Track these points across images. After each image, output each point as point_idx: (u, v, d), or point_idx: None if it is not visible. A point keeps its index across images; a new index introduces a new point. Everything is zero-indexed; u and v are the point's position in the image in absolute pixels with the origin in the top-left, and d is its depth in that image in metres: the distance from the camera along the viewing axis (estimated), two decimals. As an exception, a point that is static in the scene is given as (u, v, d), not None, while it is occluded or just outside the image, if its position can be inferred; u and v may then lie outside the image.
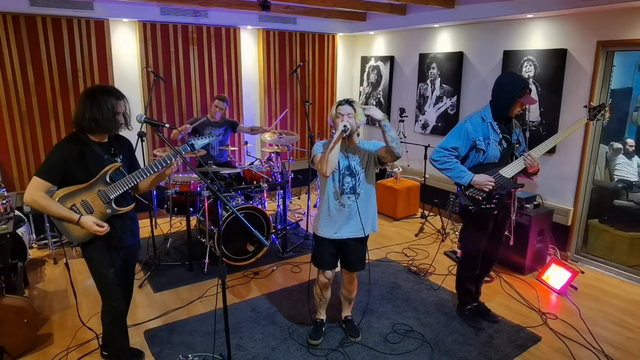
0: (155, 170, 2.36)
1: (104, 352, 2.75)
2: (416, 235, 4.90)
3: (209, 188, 3.10)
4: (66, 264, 2.97)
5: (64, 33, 4.67)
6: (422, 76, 5.70)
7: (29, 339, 2.78)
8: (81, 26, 4.75)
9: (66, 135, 2.30)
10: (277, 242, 4.46)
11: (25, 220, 4.07)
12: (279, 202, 4.69)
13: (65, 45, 4.70)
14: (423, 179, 5.37)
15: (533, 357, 2.82)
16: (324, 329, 3.03)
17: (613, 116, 4.25)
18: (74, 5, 4.53)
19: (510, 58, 4.56)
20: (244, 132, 5.37)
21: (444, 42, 5.38)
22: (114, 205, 2.31)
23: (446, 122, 5.40)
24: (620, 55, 3.94)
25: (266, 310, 3.32)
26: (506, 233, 3.15)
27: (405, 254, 4.39)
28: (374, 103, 6.58)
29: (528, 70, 4.40)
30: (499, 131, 2.86)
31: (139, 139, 3.62)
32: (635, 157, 4.23)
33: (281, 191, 4.60)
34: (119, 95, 2.26)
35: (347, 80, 6.98)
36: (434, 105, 5.57)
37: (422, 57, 5.66)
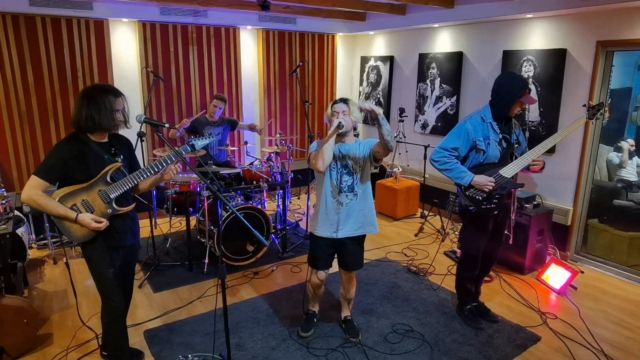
0: (156, 170, 2.36)
1: (103, 352, 2.75)
2: (416, 235, 4.90)
3: (209, 188, 3.10)
4: (66, 264, 2.97)
5: (63, 33, 4.67)
6: (422, 76, 5.70)
7: (29, 339, 2.78)
8: (81, 26, 4.75)
9: (66, 135, 2.30)
10: (276, 242, 4.46)
11: (25, 220, 4.07)
12: (278, 202, 4.69)
13: (64, 46, 4.70)
14: (423, 179, 5.37)
15: (533, 357, 2.82)
16: (315, 320, 3.08)
17: (613, 116, 4.25)
18: (73, 5, 4.53)
19: (509, 58, 4.57)
20: (244, 130, 5.38)
21: (443, 42, 5.38)
22: (114, 205, 2.31)
23: (446, 122, 5.40)
24: (620, 55, 3.94)
25: (266, 310, 3.32)
26: (506, 232, 3.15)
27: (405, 254, 4.39)
28: (374, 103, 6.57)
29: (528, 70, 4.40)
30: (498, 131, 2.86)
31: (139, 139, 3.62)
32: (636, 157, 4.23)
33: (281, 191, 4.60)
34: (117, 93, 2.26)
35: (346, 80, 6.98)
36: (434, 105, 5.57)
37: (422, 57, 5.66)
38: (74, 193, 2.24)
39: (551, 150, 4.17)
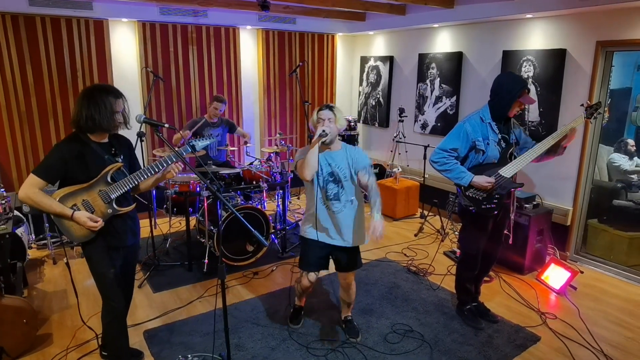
0: (157, 170, 2.36)
1: (103, 352, 2.75)
2: (415, 235, 4.90)
3: (209, 188, 3.10)
4: (67, 264, 2.97)
5: (63, 33, 4.67)
6: (422, 76, 5.70)
7: (28, 339, 2.78)
8: (80, 26, 4.75)
9: (66, 135, 2.29)
10: (276, 242, 4.46)
11: (25, 220, 4.07)
12: (278, 202, 4.69)
13: (64, 46, 4.70)
14: (422, 179, 5.37)
15: (532, 357, 2.82)
16: (302, 312, 3.15)
17: (612, 116, 4.25)
18: (73, 5, 4.52)
19: (509, 58, 4.57)
20: (239, 135, 5.37)
21: (443, 42, 5.38)
22: (115, 205, 2.31)
23: (445, 122, 5.40)
24: (620, 55, 3.94)
25: (266, 311, 3.32)
26: (505, 232, 3.16)
27: (405, 254, 4.39)
28: (374, 103, 6.58)
29: (527, 70, 4.40)
30: (497, 131, 2.86)
31: (139, 139, 3.61)
32: (636, 158, 4.23)
33: (281, 191, 4.60)
34: (117, 94, 2.25)
35: (346, 80, 6.98)
36: (434, 105, 5.58)
37: (422, 57, 5.66)
38: (75, 193, 2.24)
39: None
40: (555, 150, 2.85)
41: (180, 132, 4.66)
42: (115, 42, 5.03)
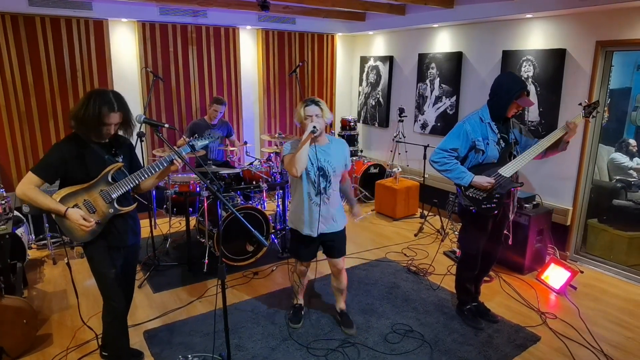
0: (157, 170, 2.36)
1: (103, 353, 2.75)
2: (415, 235, 4.90)
3: (209, 188, 3.10)
4: (67, 264, 2.96)
5: (62, 33, 4.67)
6: (421, 76, 5.70)
7: (28, 340, 2.78)
8: (80, 26, 4.75)
9: (67, 135, 2.29)
10: (276, 242, 4.46)
11: (25, 220, 4.07)
12: (278, 202, 4.69)
13: (64, 46, 4.70)
14: (422, 179, 5.37)
15: (532, 357, 2.82)
16: (302, 312, 3.17)
17: (612, 116, 4.25)
18: (72, 5, 4.52)
19: (509, 58, 4.57)
20: (230, 142, 5.27)
21: (443, 42, 5.38)
22: (116, 205, 2.31)
23: (445, 122, 5.40)
24: (619, 55, 3.94)
25: (266, 311, 3.32)
26: (505, 232, 3.16)
27: (405, 254, 4.39)
28: (373, 103, 6.58)
29: (527, 70, 4.40)
30: (496, 131, 2.86)
31: (138, 139, 3.61)
32: (636, 158, 4.23)
33: (280, 191, 4.59)
34: (113, 107, 2.16)
35: (346, 80, 6.98)
36: (433, 105, 5.58)
37: (422, 57, 5.66)
38: (76, 193, 2.24)
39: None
40: (557, 145, 2.85)
41: (184, 137, 4.66)
42: (115, 42, 5.03)
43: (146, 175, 2.34)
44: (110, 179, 2.29)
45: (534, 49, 4.34)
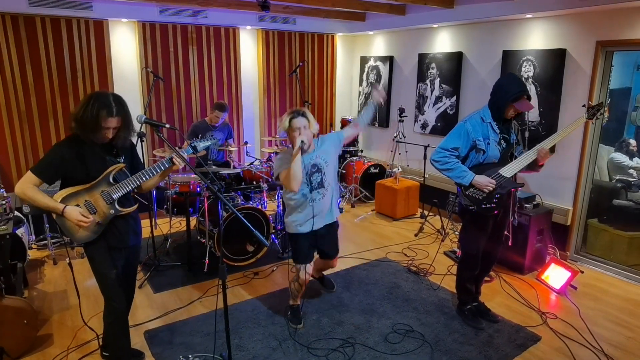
0: (158, 171, 2.36)
1: (104, 353, 2.75)
2: (416, 235, 4.90)
3: (209, 188, 3.11)
4: (69, 264, 2.96)
5: (63, 33, 4.67)
6: (422, 76, 5.70)
7: (29, 340, 2.78)
8: (80, 26, 4.75)
9: (67, 135, 2.29)
10: (276, 242, 4.46)
11: (25, 220, 4.07)
12: (278, 202, 4.68)
13: (64, 46, 4.70)
14: (422, 179, 5.37)
15: (533, 357, 2.83)
16: (301, 312, 3.21)
17: (612, 116, 4.26)
18: (72, 5, 4.52)
19: (509, 58, 4.57)
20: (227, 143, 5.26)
21: (443, 42, 5.38)
22: (117, 206, 2.31)
23: (445, 122, 5.40)
24: (619, 55, 3.95)
25: (266, 311, 3.32)
26: (505, 233, 3.16)
27: (405, 254, 4.39)
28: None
29: (527, 70, 4.41)
30: (498, 131, 2.86)
31: (139, 140, 3.61)
32: (636, 158, 4.23)
33: (281, 191, 4.59)
34: (112, 112, 2.14)
35: (346, 80, 6.98)
36: (434, 105, 5.58)
37: (422, 57, 5.66)
38: (77, 194, 2.24)
39: (551, 150, 4.14)
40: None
41: (186, 140, 4.67)
42: (115, 42, 5.03)
43: (147, 177, 2.34)
44: (111, 180, 2.29)
45: (534, 49, 4.34)
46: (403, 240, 4.77)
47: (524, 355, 2.84)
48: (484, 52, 4.90)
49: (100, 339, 2.81)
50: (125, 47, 5.10)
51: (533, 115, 4.39)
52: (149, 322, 3.16)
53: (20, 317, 2.70)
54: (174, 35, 5.28)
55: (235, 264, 3.99)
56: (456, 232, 4.83)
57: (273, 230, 4.28)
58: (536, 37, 4.35)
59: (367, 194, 5.98)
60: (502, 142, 2.88)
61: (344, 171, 6.22)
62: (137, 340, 2.92)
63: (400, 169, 5.55)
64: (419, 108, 5.79)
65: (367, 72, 6.64)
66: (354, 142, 6.37)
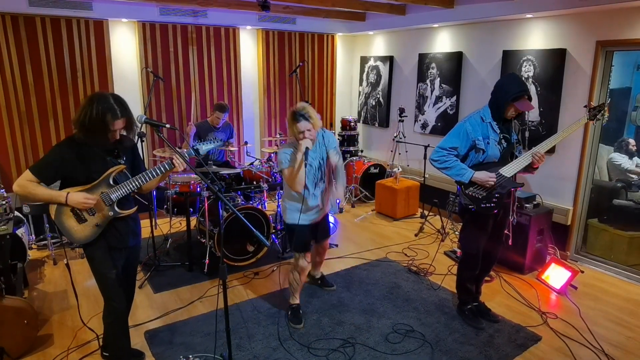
0: (158, 173, 2.35)
1: (104, 353, 2.75)
2: (416, 235, 4.90)
3: (210, 188, 3.12)
4: (67, 264, 2.96)
5: (63, 33, 4.67)
6: (422, 76, 5.70)
7: (29, 340, 2.77)
8: (80, 26, 4.75)
9: (68, 136, 2.29)
10: (277, 242, 4.46)
11: (25, 221, 4.07)
12: (279, 202, 4.69)
13: (64, 46, 4.70)
14: (423, 179, 5.37)
15: (533, 357, 2.83)
16: (301, 312, 3.22)
17: (612, 116, 4.26)
18: (72, 5, 4.52)
19: (509, 58, 4.57)
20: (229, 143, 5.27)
21: (443, 42, 5.38)
22: (116, 208, 2.30)
23: (446, 122, 5.40)
24: (619, 55, 3.95)
25: (266, 311, 3.32)
26: (505, 232, 3.16)
27: (405, 254, 4.39)
28: (374, 103, 6.58)
29: (527, 70, 4.41)
30: (498, 131, 2.86)
31: (139, 140, 3.61)
32: (636, 158, 4.23)
33: (281, 191, 4.59)
34: (117, 115, 2.14)
35: (346, 80, 6.98)
36: (434, 105, 5.58)
37: (422, 57, 5.66)
38: None
39: (551, 151, 4.17)
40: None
41: (187, 141, 4.67)
42: (115, 43, 5.03)
43: (147, 179, 2.33)
44: (111, 181, 2.28)
45: (534, 49, 4.34)
46: (403, 240, 4.77)
47: (524, 355, 2.84)
48: (484, 52, 4.90)
49: (101, 339, 2.81)
50: (125, 47, 5.10)
51: (533, 115, 4.39)
52: (149, 322, 3.16)
53: (21, 317, 2.70)
54: (174, 35, 5.28)
55: (236, 264, 3.98)
56: (456, 232, 4.83)
57: (273, 230, 4.28)
58: (536, 37, 4.35)
59: (367, 194, 5.98)
60: (503, 141, 2.88)
61: (344, 171, 6.21)
62: (138, 340, 2.92)
63: (400, 169, 5.55)
64: (419, 108, 5.79)
65: (367, 72, 6.64)
66: (354, 142, 6.37)
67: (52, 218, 2.24)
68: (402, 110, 5.62)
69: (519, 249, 3.90)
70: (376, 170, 6.05)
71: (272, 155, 5.09)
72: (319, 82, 6.58)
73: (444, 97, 5.42)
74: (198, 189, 4.17)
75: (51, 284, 3.74)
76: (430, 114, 5.63)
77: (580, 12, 3.95)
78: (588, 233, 4.27)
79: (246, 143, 5.23)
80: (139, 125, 2.35)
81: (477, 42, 4.97)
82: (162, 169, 2.35)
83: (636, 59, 4.18)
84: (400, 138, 5.64)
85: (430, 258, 4.26)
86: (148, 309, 3.34)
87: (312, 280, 3.70)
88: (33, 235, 4.49)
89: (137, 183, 2.31)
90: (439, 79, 5.46)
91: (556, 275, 3.72)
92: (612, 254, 4.10)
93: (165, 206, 4.41)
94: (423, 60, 5.65)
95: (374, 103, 6.57)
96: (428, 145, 5.15)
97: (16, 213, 3.89)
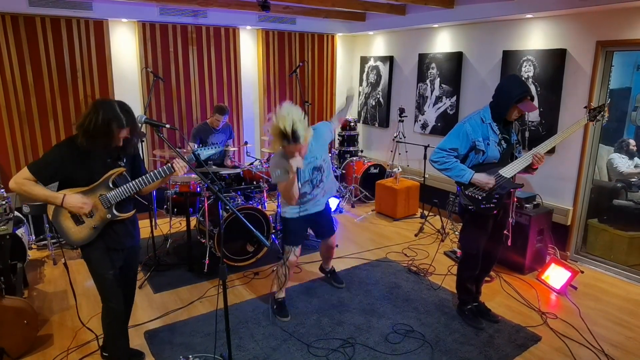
0: (158, 178, 2.32)
1: (104, 353, 2.75)
2: (416, 235, 4.90)
3: (209, 188, 3.12)
4: (65, 264, 2.96)
5: (63, 33, 4.66)
6: (422, 76, 5.70)
7: (29, 340, 2.77)
8: (80, 26, 4.75)
9: (68, 136, 2.28)
10: (277, 242, 4.45)
11: (25, 221, 4.07)
12: (278, 202, 4.68)
13: (64, 46, 4.70)
14: (423, 179, 5.37)
15: (533, 357, 2.83)
16: (286, 304, 3.29)
17: (612, 116, 4.26)
18: (72, 5, 4.52)
19: (509, 58, 4.57)
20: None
21: (443, 42, 5.38)
22: (114, 211, 2.29)
23: (445, 122, 5.40)
24: (619, 55, 3.95)
25: (267, 311, 3.31)
26: (505, 232, 3.16)
27: (405, 254, 4.39)
28: (374, 103, 6.58)
29: (527, 71, 4.41)
30: (498, 132, 2.86)
31: (139, 140, 3.61)
32: (636, 158, 4.23)
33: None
34: (122, 123, 2.12)
35: (346, 80, 6.98)
36: (434, 105, 5.58)
37: (422, 57, 5.66)
38: None
39: (551, 151, 4.17)
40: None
41: (190, 143, 4.67)
42: (115, 43, 5.02)
43: (147, 183, 2.30)
44: (110, 184, 2.27)
45: (534, 49, 4.34)
46: (403, 240, 4.77)
47: (524, 355, 2.84)
48: (484, 52, 4.90)
49: (100, 340, 2.81)
50: (125, 47, 5.10)
51: (533, 115, 4.38)
52: (149, 322, 3.16)
53: (21, 317, 2.70)
54: (174, 35, 5.28)
55: (236, 264, 3.98)
56: (456, 232, 4.83)
57: (273, 230, 4.28)
58: (536, 37, 4.35)
59: (367, 194, 5.98)
60: (502, 142, 2.88)
61: (344, 171, 6.22)
62: (138, 341, 2.92)
63: (400, 169, 5.55)
64: (419, 108, 5.79)
65: (367, 72, 6.64)
66: (354, 142, 6.37)
67: (50, 219, 2.24)
68: (402, 111, 5.62)
69: (519, 249, 3.90)
70: (376, 171, 6.05)
71: (272, 155, 5.08)
72: (319, 82, 6.58)
73: (443, 97, 5.42)
74: (198, 189, 4.17)
75: (51, 284, 3.74)
76: (430, 114, 5.63)
77: (580, 12, 3.95)
78: (588, 233, 4.27)
79: (246, 143, 5.23)
80: (140, 125, 2.35)
81: (477, 42, 4.97)
82: (162, 173, 2.32)
83: (636, 59, 4.18)
84: (400, 138, 5.64)
85: (430, 258, 4.26)
86: (148, 309, 3.34)
87: (323, 273, 3.78)
88: (33, 236, 4.48)
89: (136, 186, 2.29)
90: (439, 79, 5.46)
91: (556, 275, 3.72)
92: (612, 254, 4.10)
93: (165, 206, 4.40)
94: (423, 61, 5.65)
95: (374, 103, 6.57)
96: (428, 146, 5.15)
97: (16, 213, 3.89)
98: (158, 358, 2.77)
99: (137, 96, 5.20)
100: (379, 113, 6.51)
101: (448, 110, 5.38)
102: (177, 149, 2.36)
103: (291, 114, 2.52)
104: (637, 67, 4.24)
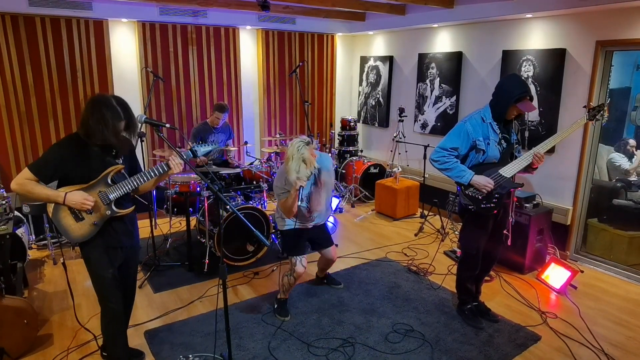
0: (156, 174, 2.35)
1: (103, 353, 2.75)
2: (416, 235, 4.90)
3: (209, 188, 3.12)
4: (63, 264, 2.96)
5: (62, 33, 4.67)
6: (422, 76, 5.70)
7: (29, 340, 2.77)
8: (80, 26, 4.75)
9: (68, 135, 2.28)
10: (277, 242, 4.46)
11: (25, 220, 4.07)
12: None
13: (64, 46, 4.70)
14: (422, 179, 5.37)
15: (533, 356, 2.83)
16: (287, 305, 3.31)
17: (612, 116, 4.26)
18: (72, 5, 4.52)
19: (509, 58, 4.57)
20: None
21: (443, 42, 5.38)
22: (113, 207, 2.30)
23: (445, 122, 5.40)
24: (619, 55, 3.95)
25: (266, 311, 3.32)
26: (505, 232, 3.16)
27: (405, 254, 4.39)
28: (373, 103, 6.59)
29: (527, 70, 4.41)
30: (498, 131, 2.86)
31: (139, 139, 3.61)
32: (636, 156, 4.23)
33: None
34: (121, 117, 2.18)
35: (346, 80, 6.98)
36: (433, 105, 5.58)
37: (422, 57, 5.66)
38: None
39: (551, 150, 4.17)
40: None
41: (190, 143, 4.67)
42: (115, 43, 5.03)
43: (145, 179, 2.33)
44: (109, 181, 2.28)
45: (534, 49, 4.35)
46: (403, 240, 4.77)
47: (524, 355, 2.84)
48: (483, 52, 4.90)
49: (100, 340, 2.81)
50: (125, 47, 5.10)
51: (533, 115, 4.39)
52: (149, 322, 3.16)
53: (21, 317, 2.70)
54: (174, 35, 5.28)
55: (236, 263, 3.99)
56: (456, 232, 4.83)
57: (273, 230, 4.28)
58: (536, 37, 4.35)
59: (367, 193, 5.98)
60: (503, 142, 2.89)
61: (343, 171, 6.22)
62: (137, 340, 2.92)
63: (400, 169, 5.55)
64: (419, 108, 5.79)
65: (367, 72, 6.64)
66: (354, 141, 6.38)
67: (50, 216, 2.24)
68: (401, 110, 5.62)
69: (518, 248, 3.90)
70: (376, 170, 6.06)
71: (272, 155, 5.09)
72: (319, 82, 6.58)
73: (443, 97, 5.42)
74: (198, 189, 4.17)
75: (51, 284, 3.74)
76: (430, 114, 5.64)
77: (580, 12, 3.95)
78: (588, 233, 4.27)
79: (246, 143, 5.23)
80: (139, 125, 2.35)
81: (477, 42, 4.98)
82: (159, 170, 2.35)
83: (636, 58, 4.18)
84: (400, 138, 5.64)
85: (430, 258, 4.26)
86: (148, 308, 3.34)
87: (317, 281, 3.73)
88: (33, 235, 4.49)
89: (134, 183, 2.31)
90: (438, 78, 5.46)
91: (556, 275, 3.72)
92: (611, 254, 4.10)
93: (165, 206, 4.41)
94: (423, 60, 5.65)
95: (373, 103, 6.58)
96: (428, 145, 5.15)
97: (16, 213, 3.89)
98: (158, 358, 2.77)
99: (137, 96, 5.20)
100: (378, 113, 6.51)
101: (448, 110, 5.39)
102: (177, 149, 2.36)
103: (304, 151, 2.82)
104: (636, 66, 4.24)
